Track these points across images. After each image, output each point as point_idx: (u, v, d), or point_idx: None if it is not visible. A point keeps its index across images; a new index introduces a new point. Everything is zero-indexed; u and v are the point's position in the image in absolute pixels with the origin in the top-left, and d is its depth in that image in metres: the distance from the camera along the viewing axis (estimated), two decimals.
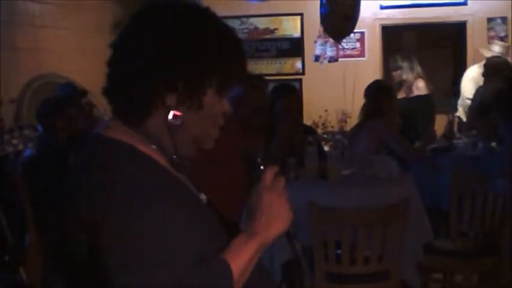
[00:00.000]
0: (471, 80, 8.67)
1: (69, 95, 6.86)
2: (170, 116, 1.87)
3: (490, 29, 10.13)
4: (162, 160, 1.90)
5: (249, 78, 6.08)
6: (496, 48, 8.81)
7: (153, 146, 1.89)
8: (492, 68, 8.16)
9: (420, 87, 8.30)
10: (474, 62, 9.25)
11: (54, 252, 1.86)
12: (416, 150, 6.73)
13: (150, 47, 1.86)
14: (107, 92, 1.94)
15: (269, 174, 1.90)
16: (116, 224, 1.71)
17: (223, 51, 1.91)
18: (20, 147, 6.72)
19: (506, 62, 8.46)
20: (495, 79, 7.78)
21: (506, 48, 9.14)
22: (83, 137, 1.98)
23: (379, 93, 6.50)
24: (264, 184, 1.89)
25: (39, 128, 6.24)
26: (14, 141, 6.86)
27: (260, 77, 6.79)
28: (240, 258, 1.82)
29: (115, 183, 1.75)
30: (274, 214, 1.87)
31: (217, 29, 1.93)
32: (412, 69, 8.29)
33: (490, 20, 10.21)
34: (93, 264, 1.73)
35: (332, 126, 8.72)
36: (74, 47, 9.08)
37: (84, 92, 7.21)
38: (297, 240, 2.02)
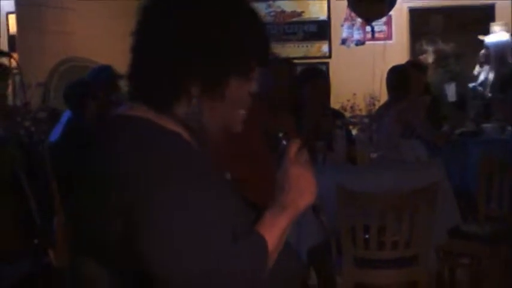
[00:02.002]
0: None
1: (102, 78, 6.85)
2: (193, 105, 1.86)
3: None
4: (189, 138, 1.89)
5: (276, 61, 6.07)
6: (496, 29, 8.72)
7: (181, 127, 1.87)
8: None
9: None
10: None
11: (86, 236, 1.84)
12: (442, 134, 6.70)
13: (174, 37, 1.84)
14: (131, 76, 1.93)
15: (293, 148, 1.90)
16: (152, 203, 1.69)
17: (249, 37, 1.89)
18: (32, 129, 6.71)
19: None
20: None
21: (506, 27, 9.06)
22: (110, 117, 1.94)
23: (400, 77, 6.46)
24: (289, 158, 1.89)
25: (67, 111, 6.25)
26: (26, 124, 6.86)
27: (288, 60, 6.76)
28: (273, 232, 1.84)
29: (149, 161, 1.73)
30: (302, 186, 1.87)
31: (243, 13, 1.91)
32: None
33: None
34: (128, 247, 1.72)
35: (360, 110, 8.65)
36: (101, 31, 9.08)
37: (120, 77, 7.21)
38: (323, 213, 2.05)
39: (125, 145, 1.79)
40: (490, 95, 7.82)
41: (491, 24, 9.07)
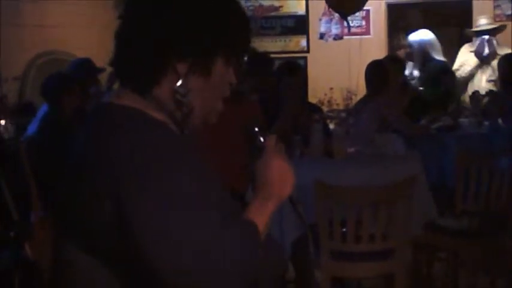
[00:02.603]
0: (459, 55, 8.68)
1: (81, 72, 6.83)
2: (178, 83, 1.87)
3: (496, 7, 10.06)
4: (173, 127, 1.92)
5: (255, 53, 6.08)
6: (482, 21, 8.76)
7: (163, 114, 1.89)
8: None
9: None
10: None
11: (74, 225, 1.84)
12: (420, 127, 6.73)
13: (162, 17, 1.86)
14: (116, 61, 1.94)
15: (271, 141, 1.98)
16: (141, 192, 1.70)
17: (231, 22, 1.93)
18: (2, 122, 6.66)
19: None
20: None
21: (492, 20, 9.10)
22: (95, 106, 1.95)
23: (377, 71, 6.48)
24: (270, 150, 1.96)
25: (44, 105, 6.22)
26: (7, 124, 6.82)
27: (264, 55, 6.78)
28: (260, 220, 1.89)
29: (136, 149, 1.74)
30: (284, 177, 1.95)
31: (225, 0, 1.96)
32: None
33: None
34: (118, 235, 1.73)
35: (337, 104, 8.70)
36: (79, 22, 9.04)
37: (100, 70, 7.19)
38: (299, 204, 2.09)
39: (114, 136, 1.79)
40: (421, 88, 7.92)
41: (478, 16, 9.10)
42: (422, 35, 8.48)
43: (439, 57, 8.25)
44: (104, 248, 1.78)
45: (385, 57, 8.01)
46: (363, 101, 6.65)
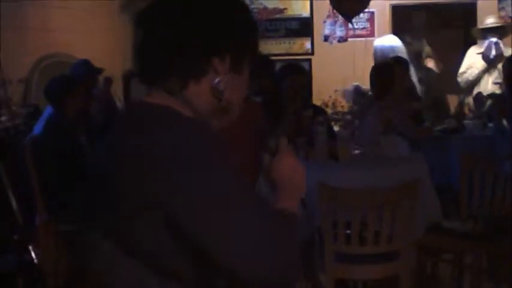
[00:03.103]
0: (466, 57, 8.63)
1: (82, 73, 6.85)
2: (216, 81, 1.91)
3: (501, 8, 10.04)
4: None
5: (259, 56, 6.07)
6: (489, 21, 8.73)
7: (192, 113, 1.91)
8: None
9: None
10: None
11: (115, 233, 1.82)
12: (423, 130, 6.71)
13: (197, 18, 1.91)
14: (146, 63, 1.95)
15: (284, 143, 2.06)
16: (192, 190, 1.70)
17: (252, 24, 2.03)
18: (8, 124, 6.68)
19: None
20: None
21: (500, 19, 9.08)
22: (129, 106, 1.99)
23: (382, 74, 6.47)
24: (285, 152, 2.05)
25: (48, 107, 6.23)
26: (2, 118, 6.82)
27: (266, 57, 6.78)
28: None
29: (178, 148, 1.74)
30: (299, 177, 2.02)
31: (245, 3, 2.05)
32: (421, 49, 8.31)
33: None
34: (171, 236, 1.74)
35: (342, 106, 8.68)
36: (83, 26, 9.05)
37: (99, 70, 7.20)
38: (306, 208, 2.16)
39: (153, 135, 1.78)
40: None
41: (485, 16, 9.06)
42: (386, 41, 8.48)
43: None
44: (152, 251, 1.78)
45: (390, 59, 7.99)
46: (368, 103, 6.63)
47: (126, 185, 1.77)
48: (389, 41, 8.48)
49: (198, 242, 1.70)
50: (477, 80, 8.34)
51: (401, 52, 8.29)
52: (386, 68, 6.60)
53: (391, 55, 8.09)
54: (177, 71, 1.89)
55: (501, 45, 8.34)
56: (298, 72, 6.15)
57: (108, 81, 7.34)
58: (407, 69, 7.59)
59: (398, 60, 7.72)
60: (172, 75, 1.90)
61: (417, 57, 8.33)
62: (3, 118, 6.37)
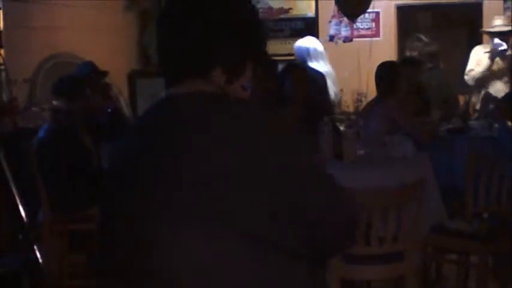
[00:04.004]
0: (472, 56, 8.60)
1: (87, 74, 6.86)
2: (246, 82, 2.02)
3: (506, 8, 10.02)
4: None
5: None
6: (498, 22, 8.71)
7: None
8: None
9: None
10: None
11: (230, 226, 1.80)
12: (429, 131, 6.70)
13: (236, 22, 1.99)
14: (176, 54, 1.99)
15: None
16: (302, 173, 1.91)
17: (262, 25, 2.11)
18: (31, 125, 6.72)
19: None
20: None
21: (508, 19, 9.06)
22: (170, 100, 1.99)
23: (388, 73, 6.46)
24: None
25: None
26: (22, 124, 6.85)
27: (270, 58, 6.79)
28: None
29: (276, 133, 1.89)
30: None
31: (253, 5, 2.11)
32: (430, 49, 8.29)
33: None
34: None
35: (347, 106, 8.68)
36: (88, 25, 9.05)
37: (103, 73, 7.20)
38: None
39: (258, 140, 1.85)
40: None
41: (495, 17, 9.03)
42: (303, 43, 8.48)
43: (318, 66, 8.19)
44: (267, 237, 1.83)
45: (402, 59, 8.01)
46: (373, 102, 6.63)
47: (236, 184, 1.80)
48: (306, 43, 8.45)
49: (303, 213, 1.88)
50: (485, 78, 8.32)
51: (315, 54, 8.27)
52: (391, 67, 6.60)
53: (305, 56, 8.10)
54: (225, 65, 1.96)
55: (504, 45, 8.34)
56: (300, 70, 6.15)
57: (107, 86, 7.34)
58: (418, 69, 7.56)
59: (408, 60, 7.72)
60: (218, 68, 1.96)
61: (434, 57, 8.29)
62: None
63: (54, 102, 6.04)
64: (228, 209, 1.78)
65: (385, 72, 6.45)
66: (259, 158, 1.81)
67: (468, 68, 8.46)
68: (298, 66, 6.61)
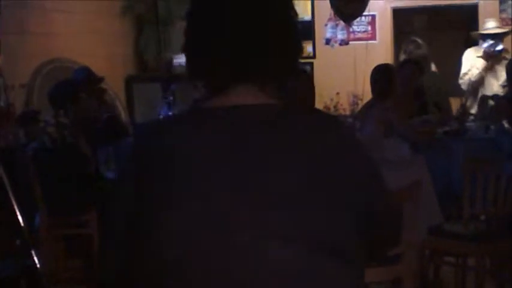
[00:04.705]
0: (465, 59, 8.60)
1: (83, 79, 6.87)
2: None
3: (502, 11, 10.04)
4: None
5: None
6: (490, 24, 8.72)
7: None
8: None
9: None
10: None
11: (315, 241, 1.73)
12: (424, 133, 6.70)
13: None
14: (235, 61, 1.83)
15: None
16: (379, 186, 1.94)
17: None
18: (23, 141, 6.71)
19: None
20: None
21: (500, 22, 9.08)
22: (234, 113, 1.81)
23: (383, 76, 6.47)
24: None
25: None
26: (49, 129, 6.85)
27: None
28: None
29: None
30: None
31: None
32: (421, 52, 8.31)
33: (502, 1, 10.12)
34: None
35: (344, 109, 8.69)
36: (84, 30, 9.07)
37: (99, 80, 7.21)
38: None
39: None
40: None
41: (486, 19, 9.05)
42: None
43: None
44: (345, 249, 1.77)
45: (402, 61, 8.03)
46: (369, 105, 6.63)
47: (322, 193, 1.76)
48: None
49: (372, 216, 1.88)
50: (479, 81, 8.33)
51: None
52: (386, 70, 6.60)
53: None
54: (282, 75, 1.90)
55: (501, 44, 8.35)
56: (301, 75, 6.13)
57: (101, 91, 7.35)
58: (419, 71, 7.55)
59: (408, 61, 7.72)
60: (277, 78, 1.89)
61: (423, 60, 8.30)
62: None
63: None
64: (320, 229, 1.72)
65: (380, 75, 6.46)
66: (347, 175, 1.79)
67: (462, 71, 8.47)
68: (301, 70, 6.59)
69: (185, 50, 1.89)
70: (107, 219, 1.91)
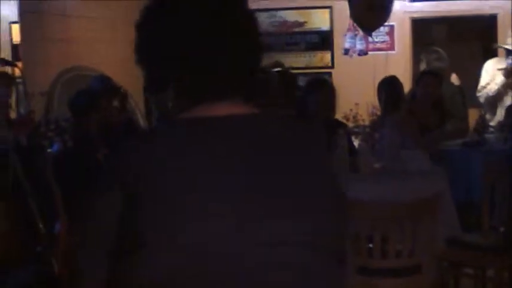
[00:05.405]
0: (485, 71, 8.54)
1: (101, 88, 6.89)
2: None
3: None
4: None
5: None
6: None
7: None
8: None
9: None
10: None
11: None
12: (426, 142, 6.69)
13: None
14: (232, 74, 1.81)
15: None
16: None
17: None
18: (56, 139, 6.75)
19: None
20: None
21: None
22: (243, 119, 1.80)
23: (391, 88, 6.48)
24: None
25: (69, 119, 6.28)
26: (50, 134, 6.87)
27: (288, 71, 6.81)
28: None
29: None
30: None
31: None
32: (441, 63, 8.30)
33: None
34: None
35: (363, 120, 8.69)
36: (104, 38, 9.10)
37: (117, 89, 7.23)
38: None
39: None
40: None
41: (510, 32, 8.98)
42: None
43: None
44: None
45: (421, 72, 8.02)
46: (381, 118, 6.65)
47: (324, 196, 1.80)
48: None
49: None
50: (497, 97, 8.28)
51: None
52: (391, 83, 6.62)
53: None
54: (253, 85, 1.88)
55: None
56: (324, 86, 6.14)
57: (124, 96, 7.37)
58: (437, 82, 7.52)
59: (428, 71, 7.72)
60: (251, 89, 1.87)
61: (445, 72, 8.28)
62: (51, 134, 6.43)
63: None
64: (325, 232, 1.76)
65: (385, 88, 6.49)
66: (335, 179, 1.85)
67: (480, 84, 8.42)
68: (324, 80, 6.60)
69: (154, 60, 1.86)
70: (88, 233, 1.84)
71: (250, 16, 1.85)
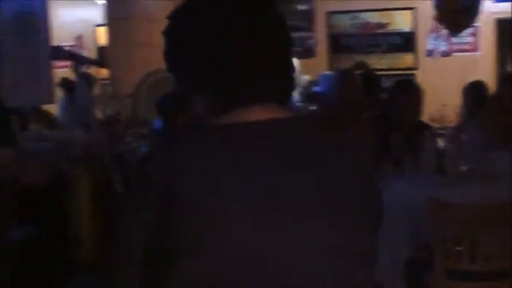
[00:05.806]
0: None
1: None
2: None
3: None
4: None
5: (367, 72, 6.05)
6: None
7: None
8: None
9: None
10: None
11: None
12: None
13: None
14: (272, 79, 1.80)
15: None
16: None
17: None
18: (134, 145, 6.84)
19: None
20: None
21: None
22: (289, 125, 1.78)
23: (477, 92, 6.42)
24: None
25: (156, 122, 6.36)
26: (128, 139, 6.97)
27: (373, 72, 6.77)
28: None
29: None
30: None
31: None
32: None
33: None
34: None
35: (450, 121, 8.61)
36: None
37: None
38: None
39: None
40: None
41: None
42: None
43: None
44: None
45: (504, 74, 7.92)
46: (464, 120, 6.60)
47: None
48: None
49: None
50: None
51: None
52: (476, 88, 6.56)
53: None
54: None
55: None
56: (412, 89, 6.09)
57: None
58: None
59: (510, 75, 7.62)
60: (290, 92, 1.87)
61: None
62: (129, 139, 6.54)
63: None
64: (355, 236, 1.75)
65: (470, 93, 6.44)
66: (371, 179, 1.84)
67: None
68: (411, 83, 6.55)
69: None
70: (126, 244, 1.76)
71: (280, 17, 1.82)
